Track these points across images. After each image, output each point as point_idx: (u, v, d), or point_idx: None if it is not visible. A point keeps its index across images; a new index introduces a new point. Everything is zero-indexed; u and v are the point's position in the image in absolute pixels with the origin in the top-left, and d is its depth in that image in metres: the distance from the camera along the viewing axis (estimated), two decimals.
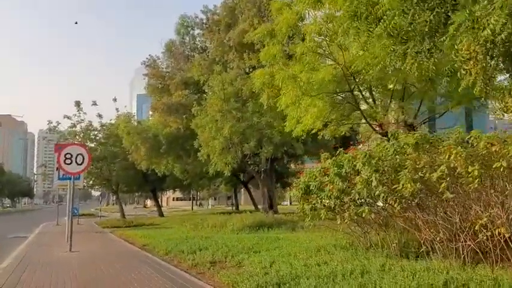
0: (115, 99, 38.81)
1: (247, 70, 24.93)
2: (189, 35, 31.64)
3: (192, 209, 67.58)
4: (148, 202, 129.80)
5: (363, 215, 8.74)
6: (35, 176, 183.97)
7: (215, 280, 8.93)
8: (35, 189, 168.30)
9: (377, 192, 8.09)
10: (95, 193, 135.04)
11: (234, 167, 24.03)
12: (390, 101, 13.99)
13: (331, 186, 9.17)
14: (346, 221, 9.39)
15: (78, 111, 35.49)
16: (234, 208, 54.36)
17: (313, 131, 15.88)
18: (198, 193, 77.39)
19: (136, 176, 38.94)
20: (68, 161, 15.62)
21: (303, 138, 22.67)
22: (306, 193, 10.24)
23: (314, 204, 10.24)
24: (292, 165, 40.13)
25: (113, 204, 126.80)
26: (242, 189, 74.19)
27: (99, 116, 36.93)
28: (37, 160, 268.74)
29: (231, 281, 8.23)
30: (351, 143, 32.94)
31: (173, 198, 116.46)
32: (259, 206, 33.11)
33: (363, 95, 14.61)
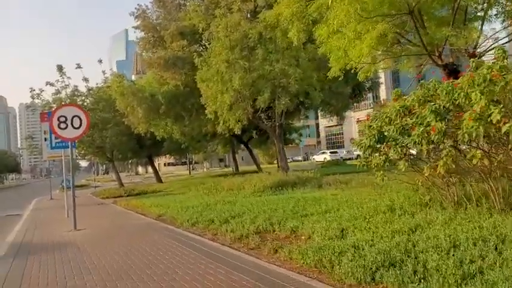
0: (100, 61, 35.91)
1: (252, 12, 22.15)
2: None
3: (190, 173, 65.53)
4: (140, 169, 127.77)
5: (473, 161, 6.59)
6: (21, 151, 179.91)
7: (281, 259, 6.86)
8: (21, 164, 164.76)
9: (504, 129, 5.91)
10: (83, 164, 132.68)
11: (244, 124, 21.72)
12: (453, 24, 11.64)
13: (427, 128, 6.98)
14: (439, 171, 7.26)
15: (61, 76, 32.63)
16: (233, 170, 52.38)
17: (356, 69, 13.40)
18: (193, 157, 75.10)
19: (131, 142, 36.49)
20: (63, 125, 13.20)
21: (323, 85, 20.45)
22: (379, 141, 8.07)
23: (387, 154, 8.09)
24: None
25: (104, 174, 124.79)
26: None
27: (85, 80, 34.09)
28: (21, 134, 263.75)
29: (313, 261, 6.13)
30: (360, 91, 30.89)
31: (164, 163, 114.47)
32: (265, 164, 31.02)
33: (419, 19, 12.08)
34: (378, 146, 8.22)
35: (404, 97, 8.06)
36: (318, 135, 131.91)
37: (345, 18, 10.68)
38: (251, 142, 41.43)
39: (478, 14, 13.02)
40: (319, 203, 11.56)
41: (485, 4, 12.30)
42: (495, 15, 12.91)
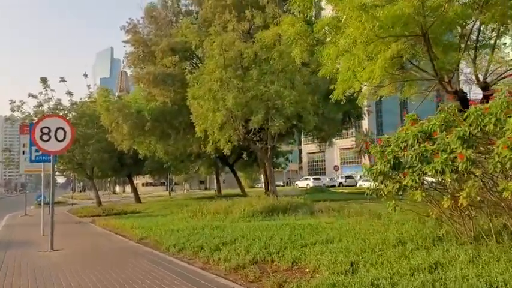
0: (86, 75, 34.89)
1: (249, 31, 21.65)
2: None
3: (170, 194, 64.08)
4: (117, 188, 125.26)
5: (505, 194, 5.98)
6: None
7: None
8: None
9: None
10: (59, 180, 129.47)
11: (234, 145, 21.00)
12: (464, 51, 11.23)
13: (451, 155, 6.39)
14: (461, 202, 6.64)
15: (44, 88, 31.51)
16: (216, 192, 51.37)
17: (354, 94, 12.87)
18: (173, 178, 73.61)
19: (112, 160, 35.38)
20: (46, 137, 12.35)
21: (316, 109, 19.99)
22: (394, 168, 7.45)
23: (401, 182, 7.47)
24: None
25: (80, 192, 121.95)
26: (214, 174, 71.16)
27: (69, 93, 33.02)
28: None
29: None
30: (350, 118, 30.57)
31: (143, 183, 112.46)
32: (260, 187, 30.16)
33: (430, 42, 11.59)
34: (391, 173, 7.59)
35: (422, 122, 7.49)
36: (300, 161, 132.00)
37: (359, 36, 10.10)
38: (236, 165, 40.67)
39: (489, 41, 12.69)
40: (318, 232, 10.85)
41: (493, 32, 11.98)
42: (504, 44, 12.63)
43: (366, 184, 63.25)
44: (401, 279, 5.81)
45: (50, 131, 12.33)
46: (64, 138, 12.43)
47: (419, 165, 6.97)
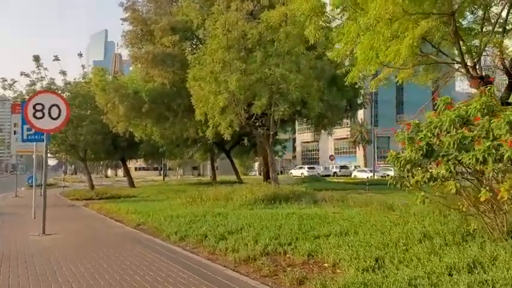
0: (80, 54, 34.03)
1: (252, 12, 20.73)
2: None
3: (164, 179, 63.22)
4: (109, 172, 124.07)
5: None
6: None
7: None
8: None
9: None
10: (51, 162, 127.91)
11: (235, 130, 20.24)
12: (493, 34, 10.53)
13: (494, 142, 5.74)
14: (501, 195, 5.99)
15: (37, 67, 30.51)
16: (211, 178, 50.66)
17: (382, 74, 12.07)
18: (167, 163, 72.59)
19: (106, 142, 34.40)
20: (39, 114, 11.55)
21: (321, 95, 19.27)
22: (426, 156, 6.77)
23: (431, 172, 6.83)
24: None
25: (71, 174, 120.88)
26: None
27: (63, 73, 32.04)
28: None
29: None
30: (351, 107, 29.87)
31: (135, 167, 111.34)
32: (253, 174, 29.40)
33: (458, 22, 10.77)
34: (420, 162, 6.92)
35: (458, 105, 6.81)
36: (294, 150, 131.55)
37: (384, 12, 9.25)
38: (232, 151, 39.92)
39: None
40: (328, 223, 10.21)
41: None
42: None
43: (361, 175, 63.13)
44: (440, 280, 5.18)
45: (43, 107, 11.53)
46: (59, 116, 11.64)
47: (456, 153, 6.29)
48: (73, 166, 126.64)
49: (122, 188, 37.44)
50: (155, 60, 22.23)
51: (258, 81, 18.62)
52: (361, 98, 27.98)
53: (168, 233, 10.51)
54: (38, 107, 11.51)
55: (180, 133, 30.64)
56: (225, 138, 20.70)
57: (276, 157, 49.49)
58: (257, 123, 20.20)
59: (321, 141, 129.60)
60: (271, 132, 20.26)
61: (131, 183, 41.44)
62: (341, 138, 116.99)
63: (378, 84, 13.15)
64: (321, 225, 9.92)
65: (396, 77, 13.37)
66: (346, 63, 13.72)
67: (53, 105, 11.60)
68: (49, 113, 11.54)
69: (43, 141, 12.70)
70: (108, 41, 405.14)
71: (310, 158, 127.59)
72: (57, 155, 40.20)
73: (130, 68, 29.43)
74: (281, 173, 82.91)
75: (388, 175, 56.29)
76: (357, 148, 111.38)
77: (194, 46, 23.36)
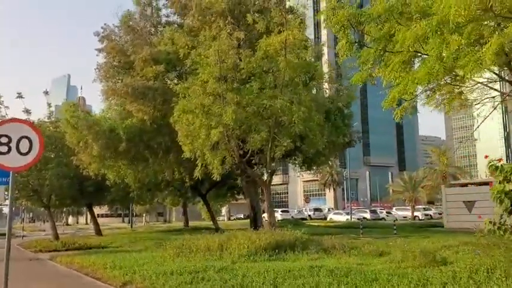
0: (46, 92, 31.67)
1: (241, 41, 19.03)
2: (152, 7, 25.07)
3: (132, 226, 59.44)
4: (70, 219, 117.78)
5: None
6: None
7: None
8: None
9: None
10: (6, 210, 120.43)
11: (226, 169, 18.13)
12: None
13: None
14: None
15: None
16: (184, 225, 47.85)
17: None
18: (134, 208, 68.69)
19: (72, 187, 31.51)
20: (4, 149, 9.20)
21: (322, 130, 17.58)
22: None
23: None
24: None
25: (29, 222, 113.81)
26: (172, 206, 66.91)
27: (27, 111, 29.43)
28: None
29: None
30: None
31: (97, 214, 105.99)
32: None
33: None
34: None
35: None
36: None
37: (457, 14, 7.56)
38: (208, 195, 37.55)
39: None
40: (372, 281, 8.19)
41: None
42: None
43: (337, 217, 61.43)
44: None
45: (10, 140, 9.22)
46: (29, 150, 9.34)
47: None
48: (30, 214, 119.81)
49: (89, 236, 34.27)
50: (135, 93, 20.09)
51: (254, 114, 16.79)
52: (349, 136, 26.45)
53: None
54: (3, 140, 9.19)
55: (154, 176, 28.29)
56: (216, 178, 18.49)
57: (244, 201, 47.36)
58: (253, 161, 18.24)
59: (290, 184, 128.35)
60: (269, 171, 18.29)
61: (98, 231, 38.23)
62: (310, 180, 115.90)
63: (402, 113, 11.54)
64: (368, 285, 7.91)
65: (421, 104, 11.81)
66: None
67: (22, 137, 9.31)
68: (17, 147, 9.24)
69: (7, 183, 10.32)
70: (71, 86, 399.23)
71: (279, 201, 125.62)
72: (17, 201, 36.79)
73: (102, 106, 27.17)
74: (249, 217, 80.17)
75: (364, 218, 54.95)
76: (327, 190, 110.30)
77: (180, 78, 21.44)
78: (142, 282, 10.19)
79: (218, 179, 18.61)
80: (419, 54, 10.02)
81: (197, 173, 18.38)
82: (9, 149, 9.18)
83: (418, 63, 10.87)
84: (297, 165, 29.32)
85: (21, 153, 9.27)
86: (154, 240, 25.52)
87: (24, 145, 9.30)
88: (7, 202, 40.55)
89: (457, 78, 10.91)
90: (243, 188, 26.90)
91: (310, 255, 13.31)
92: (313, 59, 21.24)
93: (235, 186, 36.03)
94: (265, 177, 19.88)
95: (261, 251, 13.83)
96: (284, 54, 16.31)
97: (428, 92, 11.59)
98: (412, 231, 28.35)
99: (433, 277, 7.85)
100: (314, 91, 21.29)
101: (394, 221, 37.21)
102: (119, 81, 22.41)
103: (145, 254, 16.68)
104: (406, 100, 11.49)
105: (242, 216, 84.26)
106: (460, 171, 68.15)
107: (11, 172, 9.56)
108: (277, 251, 13.90)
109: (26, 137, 9.38)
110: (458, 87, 11.56)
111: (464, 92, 11.49)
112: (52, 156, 29.66)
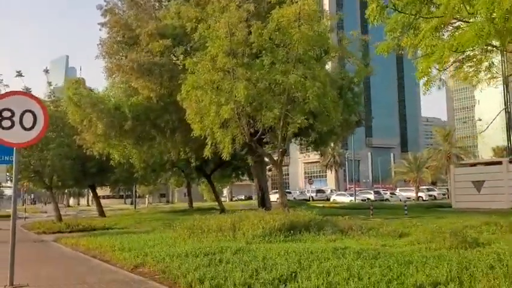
0: (47, 71, 30.86)
1: (257, 13, 18.16)
2: None
3: (135, 207, 59.18)
4: (72, 201, 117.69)
5: None
6: None
7: None
8: None
9: None
10: (7, 192, 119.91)
11: (236, 147, 17.48)
12: None
13: None
14: None
15: None
16: (189, 205, 47.49)
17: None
18: (137, 189, 68.16)
19: (74, 168, 30.96)
20: (6, 123, 8.54)
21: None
22: None
23: None
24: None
25: (31, 204, 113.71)
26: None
27: (27, 90, 28.68)
28: None
29: None
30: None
31: (99, 196, 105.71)
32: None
33: None
34: None
35: None
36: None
37: None
38: (213, 175, 37.00)
39: None
40: (408, 263, 7.60)
41: None
42: None
43: (341, 198, 61.14)
44: None
45: (13, 114, 8.56)
46: (34, 125, 8.68)
47: None
48: (32, 195, 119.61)
49: (92, 218, 33.78)
50: (141, 69, 19.28)
51: (266, 90, 16.07)
52: (358, 114, 25.71)
53: (189, 281, 7.64)
54: (6, 114, 8.52)
55: (159, 156, 27.70)
56: (225, 158, 17.83)
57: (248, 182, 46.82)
58: (264, 139, 17.60)
59: (291, 166, 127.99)
60: (280, 150, 17.66)
61: (101, 213, 37.88)
62: (311, 162, 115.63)
63: (429, 85, 10.85)
64: (404, 267, 7.31)
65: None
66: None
67: (25, 111, 8.65)
68: (20, 122, 8.58)
69: (10, 162, 9.74)
70: (69, 67, 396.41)
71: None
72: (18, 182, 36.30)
73: (102, 88, 26.31)
74: (250, 198, 79.93)
75: (368, 199, 54.73)
76: (328, 172, 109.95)
77: (188, 53, 20.59)
78: (156, 265, 9.59)
79: (228, 159, 17.98)
80: (454, 20, 9.28)
81: (207, 152, 17.66)
82: (13, 124, 8.54)
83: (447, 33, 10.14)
84: (303, 146, 28.57)
85: (25, 129, 8.64)
86: (160, 221, 25.07)
87: (27, 119, 8.66)
88: (8, 184, 40.41)
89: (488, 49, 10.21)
90: (251, 168, 26.19)
91: (327, 236, 12.81)
92: (327, 32, 20.40)
93: (240, 167, 35.40)
94: (275, 156, 19.35)
95: (275, 232, 13.30)
96: (298, 25, 15.55)
97: (457, 64, 10.90)
98: (422, 211, 27.97)
99: (475, 259, 7.29)
100: (327, 66, 20.61)
101: (405, 201, 36.95)
102: (123, 57, 21.57)
103: (153, 236, 16.15)
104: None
105: (243, 197, 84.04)
106: (464, 152, 67.69)
107: (14, 149, 8.94)
108: (292, 232, 13.39)
109: (30, 111, 8.74)
110: (487, 59, 10.87)
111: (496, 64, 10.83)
112: (53, 136, 28.99)
